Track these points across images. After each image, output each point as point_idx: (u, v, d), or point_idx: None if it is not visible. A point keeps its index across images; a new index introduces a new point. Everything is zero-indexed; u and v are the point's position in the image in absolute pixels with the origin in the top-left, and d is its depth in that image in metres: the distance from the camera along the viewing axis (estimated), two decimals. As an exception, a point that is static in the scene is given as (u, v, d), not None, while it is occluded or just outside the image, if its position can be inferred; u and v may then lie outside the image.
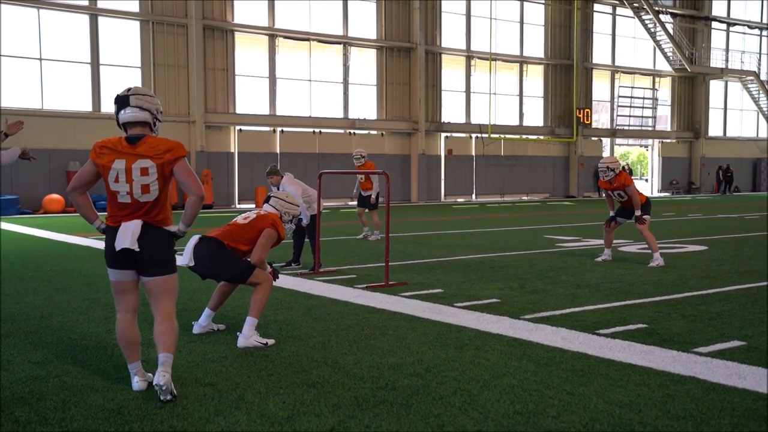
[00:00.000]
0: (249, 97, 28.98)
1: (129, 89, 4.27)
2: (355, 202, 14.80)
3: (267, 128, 29.11)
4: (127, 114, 4.20)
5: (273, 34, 29.14)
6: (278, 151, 29.10)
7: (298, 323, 6.09)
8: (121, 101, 4.23)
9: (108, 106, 25.88)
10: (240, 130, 28.50)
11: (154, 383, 4.07)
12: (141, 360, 4.38)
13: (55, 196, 23.89)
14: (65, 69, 25.41)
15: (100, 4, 25.71)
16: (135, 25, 26.42)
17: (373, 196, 13.63)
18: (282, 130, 29.34)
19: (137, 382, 4.25)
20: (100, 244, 12.96)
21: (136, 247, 4.08)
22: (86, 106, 25.69)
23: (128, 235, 4.08)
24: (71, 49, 25.45)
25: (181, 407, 3.93)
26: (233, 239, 5.56)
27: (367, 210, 13.96)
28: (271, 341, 5.38)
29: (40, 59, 24.86)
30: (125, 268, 4.21)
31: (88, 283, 8.39)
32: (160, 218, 4.19)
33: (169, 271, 4.24)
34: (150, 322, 5.83)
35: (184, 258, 5.43)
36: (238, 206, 27.97)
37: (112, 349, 5.24)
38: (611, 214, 10.51)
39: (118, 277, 4.24)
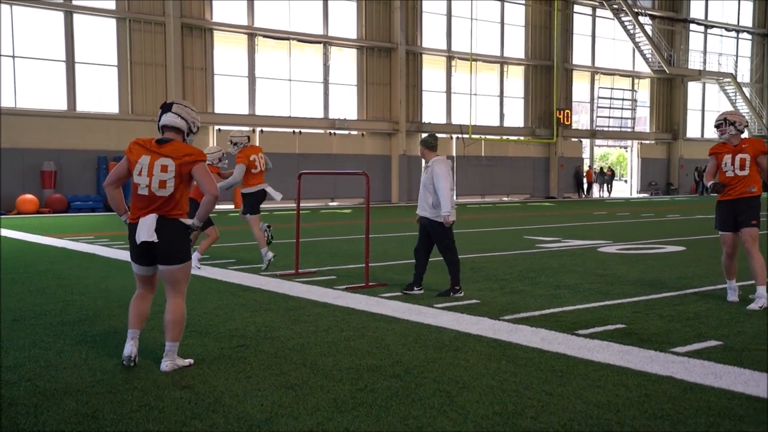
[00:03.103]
0: (228, 96, 28.81)
1: (174, 99, 4.96)
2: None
3: (246, 128, 28.93)
4: (166, 118, 4.73)
5: (252, 33, 29.00)
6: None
7: (276, 325, 6.05)
8: (165, 107, 4.80)
9: (83, 105, 25.63)
10: (219, 130, 28.31)
11: (160, 368, 4.62)
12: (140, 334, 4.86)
13: (28, 196, 23.54)
14: (39, 67, 25.09)
15: (76, 2, 25.41)
16: (111, 23, 26.15)
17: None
18: (261, 130, 29.20)
19: (128, 347, 4.72)
20: (75, 246, 12.82)
21: (155, 239, 4.54)
22: (61, 105, 25.37)
23: (145, 228, 4.55)
24: (46, 46, 25.12)
25: (157, 411, 3.88)
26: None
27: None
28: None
29: (13, 56, 24.51)
30: (145, 264, 4.76)
31: (62, 285, 8.27)
32: (174, 213, 4.65)
33: (183, 260, 4.71)
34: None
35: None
36: (216, 207, 27.77)
37: (87, 352, 5.16)
38: (710, 183, 7.02)
39: (138, 271, 4.83)
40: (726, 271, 7.10)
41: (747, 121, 7.01)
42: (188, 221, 4.71)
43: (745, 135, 6.99)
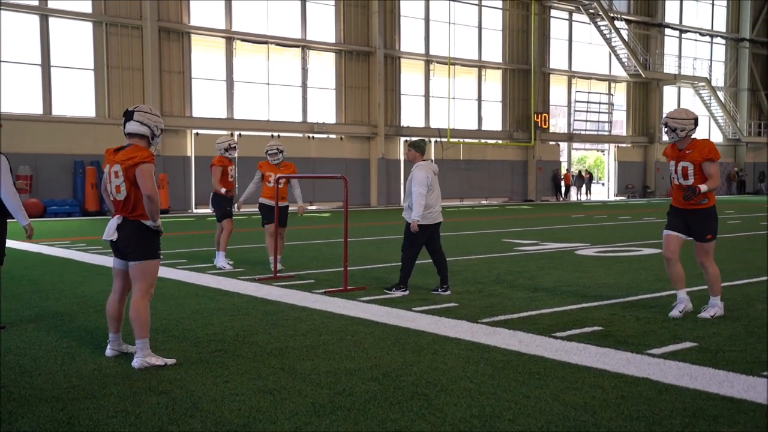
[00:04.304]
0: (206, 100, 28.63)
1: (136, 106, 5.04)
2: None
3: (224, 132, 28.78)
4: (129, 126, 4.98)
5: (230, 37, 28.87)
6: (236, 155, 28.78)
7: (254, 329, 6.02)
8: (128, 115, 5.02)
9: (59, 109, 25.34)
10: (197, 133, 28.13)
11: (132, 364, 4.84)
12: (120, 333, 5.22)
13: (5, 200, 23.19)
14: (14, 70, 24.75)
15: (51, 5, 25.12)
16: (87, 27, 25.88)
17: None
18: (240, 134, 29.05)
19: (109, 350, 5.18)
20: (51, 251, 12.67)
21: (113, 237, 4.96)
22: (37, 109, 25.06)
23: (107, 228, 4.99)
24: (21, 50, 24.79)
25: (133, 416, 3.85)
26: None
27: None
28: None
29: (-11, 60, 24.19)
30: (116, 257, 5.12)
31: (37, 291, 8.18)
32: (135, 214, 4.93)
33: (140, 258, 4.94)
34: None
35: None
36: (195, 211, 27.59)
37: (63, 358, 5.11)
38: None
39: (113, 263, 5.20)
40: (672, 280, 6.60)
41: (692, 123, 6.23)
42: (148, 222, 4.94)
43: (696, 135, 6.41)
